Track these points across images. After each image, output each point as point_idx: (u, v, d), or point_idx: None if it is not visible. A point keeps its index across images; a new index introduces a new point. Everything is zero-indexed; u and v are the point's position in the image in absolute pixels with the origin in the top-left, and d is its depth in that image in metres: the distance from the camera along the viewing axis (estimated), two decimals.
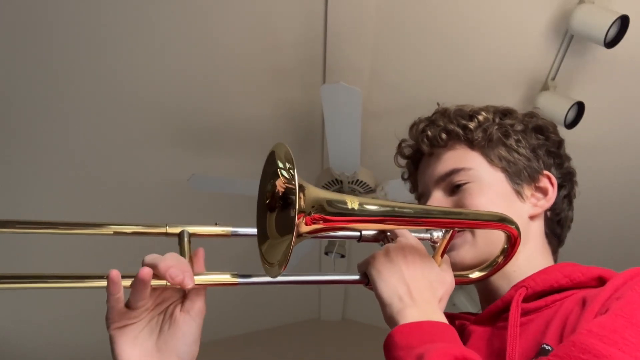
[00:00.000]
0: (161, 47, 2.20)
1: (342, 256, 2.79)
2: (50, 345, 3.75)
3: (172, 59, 2.26)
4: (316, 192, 0.59)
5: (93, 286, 0.58)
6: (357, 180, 2.45)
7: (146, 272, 0.58)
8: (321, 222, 0.58)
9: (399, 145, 0.90)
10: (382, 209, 0.64)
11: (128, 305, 0.60)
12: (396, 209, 0.65)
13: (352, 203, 0.61)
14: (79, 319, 3.61)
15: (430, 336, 0.60)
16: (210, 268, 0.65)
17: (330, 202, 0.59)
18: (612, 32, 1.86)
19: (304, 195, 0.56)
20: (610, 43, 1.88)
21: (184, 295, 0.64)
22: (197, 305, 0.63)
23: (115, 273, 0.57)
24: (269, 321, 4.36)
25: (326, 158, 2.49)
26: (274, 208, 0.61)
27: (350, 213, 0.61)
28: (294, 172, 0.57)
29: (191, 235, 0.65)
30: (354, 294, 4.20)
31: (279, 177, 0.60)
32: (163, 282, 0.59)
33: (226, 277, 0.63)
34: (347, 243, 2.84)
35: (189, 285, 0.59)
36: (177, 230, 0.65)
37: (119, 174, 2.76)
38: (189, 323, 0.63)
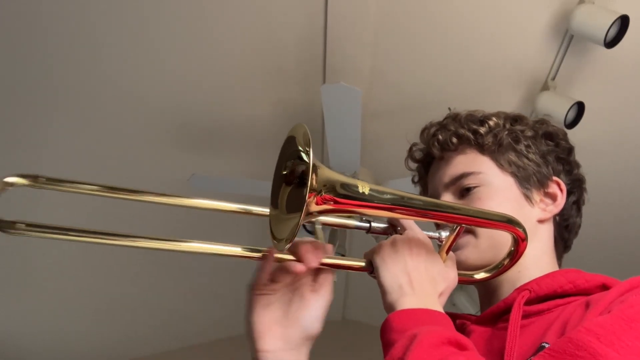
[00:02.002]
0: (161, 48, 2.20)
1: (342, 255, 2.79)
2: (51, 348, 3.75)
3: (172, 59, 2.26)
4: (329, 173, 0.60)
5: (245, 255, 0.66)
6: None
7: (300, 268, 0.65)
8: (331, 203, 0.60)
9: (410, 148, 0.91)
10: (392, 197, 0.65)
11: (271, 279, 0.68)
12: (405, 199, 0.66)
13: (363, 188, 0.62)
14: (81, 322, 3.61)
15: (424, 321, 0.62)
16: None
17: (342, 184, 0.61)
18: (612, 32, 1.86)
19: (316, 175, 0.58)
20: (610, 43, 1.88)
21: (314, 279, 0.71)
22: (324, 288, 0.70)
23: (274, 252, 0.66)
24: None
25: (326, 158, 2.49)
26: (290, 182, 0.63)
27: (361, 197, 0.62)
28: (309, 152, 0.58)
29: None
30: (354, 294, 4.20)
31: (296, 155, 0.62)
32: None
33: (357, 263, 0.71)
34: (347, 243, 2.84)
35: (314, 264, 0.67)
36: None
37: (119, 174, 2.76)
38: (316, 301, 0.69)
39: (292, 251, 0.67)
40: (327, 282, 0.70)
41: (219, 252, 0.65)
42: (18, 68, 2.18)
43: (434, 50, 2.24)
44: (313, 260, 0.66)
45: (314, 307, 0.69)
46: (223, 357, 4.17)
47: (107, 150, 2.63)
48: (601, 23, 1.84)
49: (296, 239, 0.64)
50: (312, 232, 0.73)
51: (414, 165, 0.92)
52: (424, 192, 0.92)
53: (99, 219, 2.73)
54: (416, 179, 0.93)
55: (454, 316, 0.81)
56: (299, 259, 0.66)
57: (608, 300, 0.63)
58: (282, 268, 0.66)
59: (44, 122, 2.43)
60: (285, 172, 0.63)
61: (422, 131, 0.89)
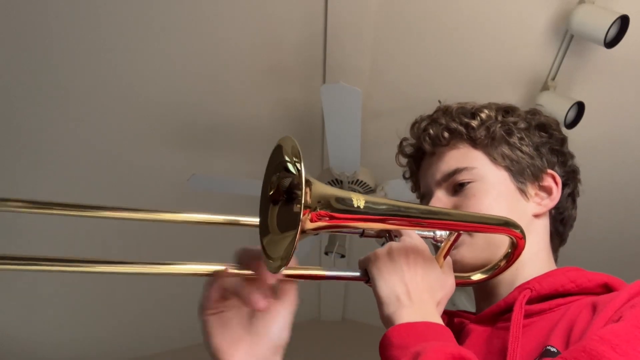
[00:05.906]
0: (162, 47, 2.20)
1: (342, 256, 2.79)
2: (55, 342, 3.75)
3: (173, 59, 2.26)
4: (323, 188, 0.57)
5: (199, 273, 0.60)
6: (357, 180, 2.44)
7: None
8: (327, 218, 0.56)
9: (400, 143, 0.89)
10: (387, 208, 0.62)
11: (222, 295, 0.61)
12: (401, 209, 0.64)
13: (358, 201, 0.60)
14: (83, 317, 3.61)
15: (426, 335, 0.60)
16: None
17: (337, 199, 0.58)
18: (612, 32, 1.86)
19: (310, 190, 0.54)
20: (610, 43, 1.88)
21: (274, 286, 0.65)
22: (287, 293, 0.64)
23: (228, 271, 0.60)
24: None
25: (326, 158, 2.49)
26: (277, 201, 0.59)
27: (356, 211, 0.59)
28: (300, 166, 0.55)
29: None
30: (354, 294, 4.20)
31: (285, 170, 0.58)
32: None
33: (351, 273, 0.67)
34: (347, 243, 2.83)
35: (271, 280, 0.61)
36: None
37: (118, 173, 2.76)
38: (280, 310, 0.63)
39: (244, 263, 0.61)
40: (291, 288, 0.64)
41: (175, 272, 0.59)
42: (19, 69, 2.18)
43: (434, 50, 2.24)
44: (270, 276, 0.60)
45: (278, 316, 0.63)
46: None
47: (106, 151, 2.63)
48: (601, 23, 1.84)
49: (247, 248, 0.60)
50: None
51: (404, 160, 0.90)
52: (416, 187, 0.89)
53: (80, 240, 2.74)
54: (407, 175, 0.91)
55: (452, 314, 0.80)
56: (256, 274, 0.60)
57: (617, 305, 0.62)
58: (236, 288, 0.60)
59: (43, 123, 2.42)
60: (271, 192, 0.59)
61: (412, 125, 0.87)
